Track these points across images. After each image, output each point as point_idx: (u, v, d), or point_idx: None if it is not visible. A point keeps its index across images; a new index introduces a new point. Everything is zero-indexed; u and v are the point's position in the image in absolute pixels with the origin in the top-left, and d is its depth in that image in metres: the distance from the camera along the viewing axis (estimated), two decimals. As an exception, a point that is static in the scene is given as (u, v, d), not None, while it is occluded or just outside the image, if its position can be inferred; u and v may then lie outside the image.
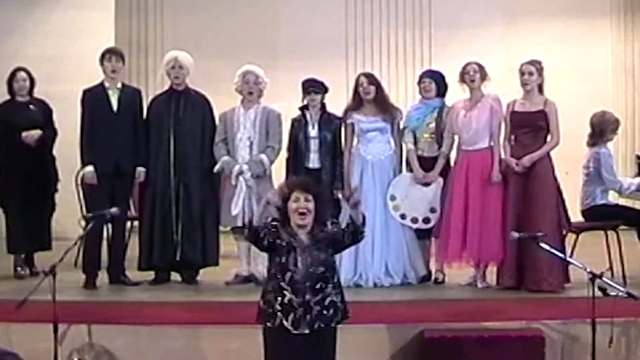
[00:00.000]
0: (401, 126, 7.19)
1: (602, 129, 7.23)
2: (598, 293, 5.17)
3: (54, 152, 7.61)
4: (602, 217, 7.13)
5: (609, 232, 7.10)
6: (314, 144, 7.13)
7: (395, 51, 11.21)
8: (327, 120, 7.19)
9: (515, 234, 5.97)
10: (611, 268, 6.86)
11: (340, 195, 6.92)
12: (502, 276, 6.81)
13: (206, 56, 9.47)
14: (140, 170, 7.07)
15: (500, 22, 11.15)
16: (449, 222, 6.90)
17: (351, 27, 11.19)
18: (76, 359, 6.03)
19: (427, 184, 7.08)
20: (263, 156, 7.05)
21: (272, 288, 4.87)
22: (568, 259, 6.07)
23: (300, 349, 4.79)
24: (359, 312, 5.46)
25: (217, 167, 7.08)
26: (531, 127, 6.80)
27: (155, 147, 7.09)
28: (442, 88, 7.20)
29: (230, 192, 7.05)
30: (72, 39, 9.99)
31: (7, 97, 7.56)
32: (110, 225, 7.21)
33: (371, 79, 7.23)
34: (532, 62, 6.84)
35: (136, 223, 7.39)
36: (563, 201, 6.81)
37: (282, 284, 4.82)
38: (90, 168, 6.98)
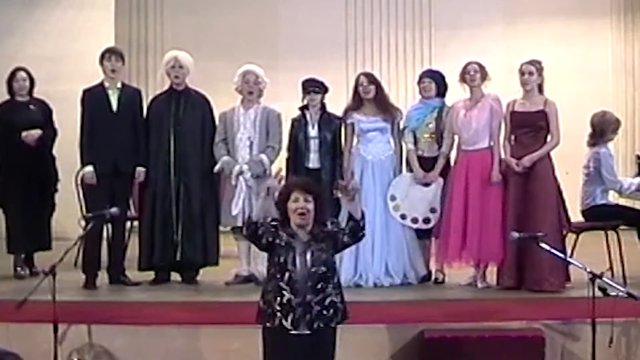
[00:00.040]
0: (401, 126, 7.19)
1: (602, 129, 7.22)
2: (598, 293, 5.17)
3: (54, 152, 7.60)
4: (602, 217, 7.13)
5: (609, 232, 7.10)
6: (313, 144, 7.14)
7: (395, 51, 11.21)
8: (327, 120, 7.19)
9: (516, 234, 5.97)
10: (611, 268, 6.85)
11: (339, 194, 6.92)
12: (502, 276, 6.81)
13: (206, 56, 9.47)
14: (140, 170, 7.06)
15: (500, 22, 11.15)
16: (449, 222, 6.90)
17: (351, 27, 11.19)
18: (76, 359, 6.04)
19: (427, 184, 7.08)
20: (263, 156, 7.05)
21: (272, 288, 4.87)
22: (568, 259, 6.06)
23: (299, 349, 4.79)
24: (359, 312, 5.46)
25: (217, 167, 7.07)
26: (531, 127, 6.80)
27: (155, 147, 7.09)
28: (442, 88, 7.20)
29: (230, 192, 7.05)
30: (72, 39, 9.99)
31: (7, 97, 7.56)
32: (110, 225, 7.20)
33: (371, 78, 7.23)
34: (532, 62, 6.84)
35: (136, 223, 7.39)
36: (563, 201, 6.81)
37: (281, 284, 4.82)
38: (89, 168, 6.98)
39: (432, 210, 7.05)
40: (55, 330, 5.48)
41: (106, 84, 7.10)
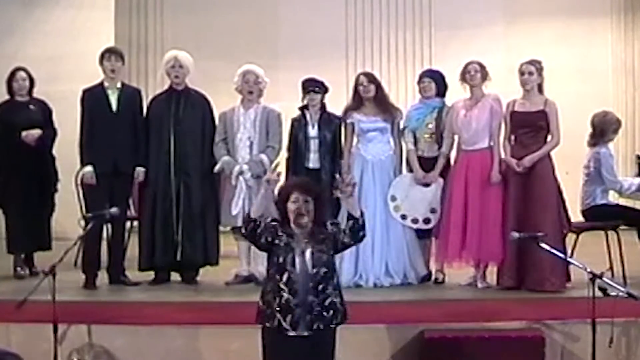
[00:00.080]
0: (401, 126, 7.18)
1: (603, 129, 7.22)
2: (598, 293, 5.17)
3: (54, 152, 7.60)
4: (602, 217, 7.13)
5: (609, 232, 7.10)
6: (313, 144, 7.14)
7: (395, 51, 11.21)
8: (327, 120, 7.19)
9: (516, 234, 5.96)
10: (611, 268, 6.85)
11: (339, 194, 6.91)
12: (502, 276, 6.81)
13: (206, 56, 9.47)
14: (140, 170, 7.06)
15: (500, 22, 11.15)
16: (449, 222, 6.90)
17: (351, 27, 11.19)
18: (76, 359, 6.03)
19: (427, 185, 7.08)
20: (263, 156, 7.05)
21: (271, 288, 4.86)
22: (568, 259, 6.06)
23: (299, 350, 4.79)
24: (359, 312, 5.47)
25: (217, 167, 7.07)
26: (531, 127, 6.80)
27: (155, 147, 7.09)
28: (441, 88, 7.20)
29: (231, 192, 7.05)
30: (72, 39, 9.98)
31: (7, 97, 7.56)
32: (110, 225, 7.20)
33: (371, 77, 7.23)
34: (531, 62, 6.84)
35: (136, 223, 7.39)
36: (563, 201, 6.80)
37: (280, 284, 4.82)
38: (89, 168, 6.98)
39: (433, 211, 7.05)
40: (55, 330, 5.48)
41: (106, 84, 7.10)
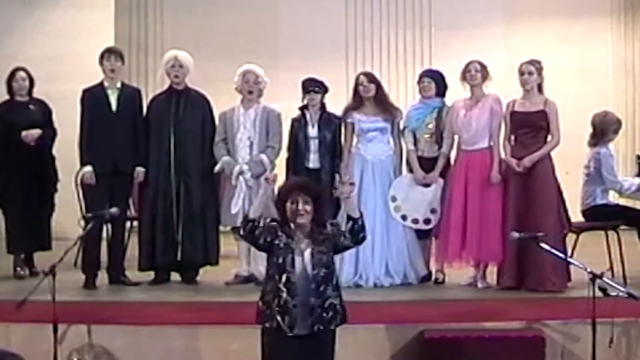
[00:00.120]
0: (401, 126, 7.18)
1: (603, 129, 7.22)
2: (598, 293, 5.16)
3: (54, 152, 7.60)
4: (602, 217, 7.12)
5: (610, 232, 7.09)
6: (313, 144, 7.14)
7: (395, 51, 11.20)
8: (326, 120, 7.18)
9: (516, 234, 5.95)
10: (611, 268, 6.85)
11: (339, 194, 6.92)
12: (502, 276, 6.81)
13: (206, 56, 9.46)
14: (140, 170, 7.06)
15: (500, 21, 11.15)
16: (449, 222, 6.90)
17: (351, 27, 11.18)
18: (76, 359, 6.03)
19: (427, 185, 7.07)
20: (263, 156, 7.04)
21: (270, 289, 4.87)
22: (568, 259, 6.06)
23: (298, 351, 4.79)
24: (359, 312, 5.47)
25: (217, 167, 7.07)
26: (531, 127, 6.79)
27: (155, 147, 7.08)
28: (441, 88, 7.19)
29: (231, 192, 7.04)
30: (72, 39, 9.98)
31: (7, 97, 7.55)
32: (110, 225, 7.20)
33: (371, 77, 7.22)
34: (531, 62, 6.84)
35: (136, 223, 7.38)
36: (563, 201, 6.80)
37: (279, 284, 4.82)
38: (88, 168, 6.98)
39: (433, 211, 7.04)
40: (55, 330, 5.47)
41: (106, 84, 7.10)
